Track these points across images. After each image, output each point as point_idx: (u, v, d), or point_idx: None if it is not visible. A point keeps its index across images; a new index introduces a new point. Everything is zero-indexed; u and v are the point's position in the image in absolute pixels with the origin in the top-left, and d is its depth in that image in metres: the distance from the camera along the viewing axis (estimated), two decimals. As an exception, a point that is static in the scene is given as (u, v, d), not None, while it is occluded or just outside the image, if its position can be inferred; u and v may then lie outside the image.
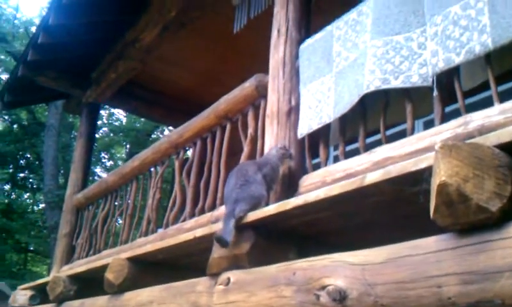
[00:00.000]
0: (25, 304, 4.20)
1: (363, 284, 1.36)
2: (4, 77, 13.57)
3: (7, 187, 15.76)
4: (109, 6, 4.24)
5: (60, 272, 4.16)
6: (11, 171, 14.97)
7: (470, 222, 1.16)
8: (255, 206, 1.99)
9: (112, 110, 15.10)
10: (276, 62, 2.53)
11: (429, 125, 1.93)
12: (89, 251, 4.29)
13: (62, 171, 13.05)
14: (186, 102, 5.38)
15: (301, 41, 2.50)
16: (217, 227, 2.07)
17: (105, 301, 2.95)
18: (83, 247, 4.38)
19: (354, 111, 2.06)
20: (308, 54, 2.38)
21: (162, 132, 13.92)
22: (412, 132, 1.85)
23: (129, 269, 2.76)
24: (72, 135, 13.90)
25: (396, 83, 1.85)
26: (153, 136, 14.11)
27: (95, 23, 4.44)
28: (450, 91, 1.77)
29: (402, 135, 1.86)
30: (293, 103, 2.40)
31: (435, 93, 1.76)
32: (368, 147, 2.00)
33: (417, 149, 1.70)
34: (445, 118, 1.74)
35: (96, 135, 10.45)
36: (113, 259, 2.91)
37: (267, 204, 2.04)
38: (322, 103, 2.21)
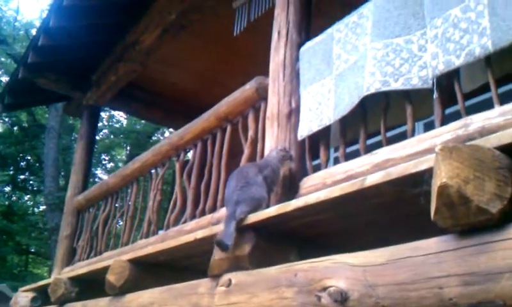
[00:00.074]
0: (27, 306, 4.20)
1: (364, 286, 1.36)
2: (5, 79, 13.60)
3: (7, 189, 15.76)
4: (109, 9, 4.26)
5: (61, 274, 4.16)
6: (11, 173, 14.97)
7: (471, 223, 1.16)
8: (255, 208, 2.00)
9: (113, 112, 15.11)
10: (276, 65, 2.54)
11: (429, 126, 1.94)
12: (90, 252, 4.29)
13: (62, 173, 13.06)
14: (186, 103, 5.39)
15: (301, 43, 2.51)
16: (218, 229, 2.08)
17: (106, 303, 2.95)
18: (84, 249, 4.38)
19: (354, 113, 2.07)
20: (309, 56, 2.39)
21: (162, 134, 13.93)
22: (412, 134, 1.85)
23: (130, 271, 2.77)
24: (73, 137, 13.91)
25: (396, 85, 1.86)
26: (153, 138, 14.12)
27: (95, 26, 4.46)
28: (450, 93, 1.78)
29: (402, 137, 1.87)
30: (293, 105, 2.41)
31: (435, 95, 1.76)
32: (369, 149, 2.00)
33: (418, 151, 1.70)
34: (446, 120, 1.75)
35: (97, 137, 10.45)
36: (114, 261, 2.91)
37: (267, 206, 2.05)
38: (323, 105, 2.21)
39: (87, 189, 4.76)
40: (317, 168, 2.27)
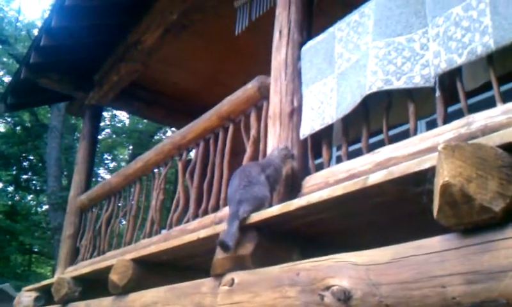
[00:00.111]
0: (30, 306, 4.21)
1: (367, 285, 1.37)
2: (7, 79, 13.63)
3: (10, 188, 15.82)
4: (111, 9, 4.26)
5: (64, 274, 4.17)
6: (14, 172, 15.03)
7: (474, 222, 1.16)
8: (258, 207, 2.00)
9: (115, 111, 15.13)
10: (278, 64, 2.54)
11: (431, 125, 1.94)
12: (93, 252, 4.30)
13: (65, 173, 13.09)
14: (188, 103, 5.39)
15: (303, 42, 2.51)
16: (221, 228, 2.08)
17: (109, 302, 2.96)
18: (87, 248, 4.40)
19: (356, 112, 2.07)
20: (310, 55, 2.39)
21: (164, 134, 13.94)
22: (415, 133, 1.85)
23: (133, 270, 2.77)
24: (75, 137, 13.95)
25: (398, 84, 1.86)
26: (156, 137, 14.14)
27: (97, 26, 4.46)
28: (452, 92, 1.78)
29: (405, 135, 1.87)
30: (295, 104, 2.41)
31: (437, 93, 1.76)
32: (371, 147, 2.00)
33: (420, 150, 1.70)
34: (448, 119, 1.75)
35: (99, 137, 10.50)
36: (117, 260, 2.92)
37: (270, 205, 2.05)
38: (325, 104, 2.21)
39: (90, 189, 4.77)
40: (319, 167, 2.27)
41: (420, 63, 1.82)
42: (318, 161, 2.32)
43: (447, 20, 1.73)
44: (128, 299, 2.77)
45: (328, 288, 1.47)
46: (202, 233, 2.26)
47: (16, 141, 14.35)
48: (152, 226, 3.54)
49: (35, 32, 13.03)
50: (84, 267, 3.79)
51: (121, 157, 16.70)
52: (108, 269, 2.94)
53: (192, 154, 3.50)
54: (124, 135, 15.19)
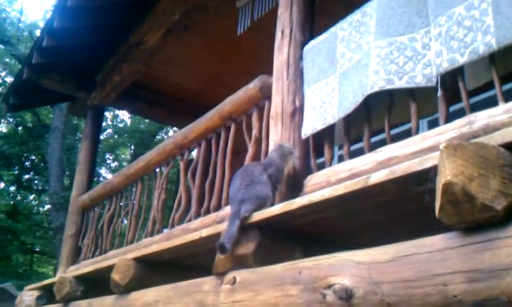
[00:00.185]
0: (32, 305, 4.22)
1: (369, 283, 1.37)
2: (9, 79, 13.67)
3: (12, 188, 15.86)
4: (113, 9, 4.27)
5: (66, 273, 4.19)
6: (16, 172, 15.07)
7: (476, 220, 1.17)
8: (260, 207, 2.01)
9: (117, 111, 15.18)
10: (280, 64, 2.54)
11: (433, 124, 1.94)
12: (95, 251, 4.31)
13: (67, 173, 13.12)
14: (190, 103, 5.40)
15: (305, 42, 2.51)
16: (223, 227, 2.09)
17: (111, 301, 2.97)
18: (89, 247, 4.41)
19: (358, 111, 2.07)
20: (312, 55, 2.40)
21: (166, 133, 13.97)
22: (417, 132, 1.85)
23: (135, 269, 2.78)
24: (77, 137, 13.98)
25: (400, 83, 1.86)
26: (157, 137, 14.17)
27: (99, 27, 4.48)
28: (454, 91, 1.78)
29: (406, 135, 1.87)
30: (297, 104, 2.42)
31: (439, 93, 1.76)
32: (373, 147, 2.01)
33: (422, 149, 1.71)
34: (450, 118, 1.75)
35: (101, 137, 10.51)
36: (119, 259, 2.93)
37: (272, 204, 2.06)
38: (327, 103, 2.22)
39: (91, 188, 4.79)
40: (321, 166, 2.27)
41: (422, 63, 1.82)
42: (320, 160, 2.33)
43: (449, 20, 1.73)
44: (130, 297, 2.78)
45: (329, 286, 1.48)
46: (204, 232, 2.27)
47: (18, 141, 14.39)
48: (153, 225, 3.55)
49: (37, 32, 13.09)
50: (86, 266, 3.80)
51: (123, 156, 16.74)
52: (110, 268, 2.95)
53: (194, 154, 3.50)
54: (126, 135, 15.22)
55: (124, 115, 15.91)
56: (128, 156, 15.95)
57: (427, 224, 1.31)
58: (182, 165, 3.41)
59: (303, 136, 2.33)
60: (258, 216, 1.94)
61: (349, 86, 2.11)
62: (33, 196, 16.69)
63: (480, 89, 2.12)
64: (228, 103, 2.88)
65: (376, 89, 1.91)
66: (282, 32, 2.60)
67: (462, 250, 1.18)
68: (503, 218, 1.13)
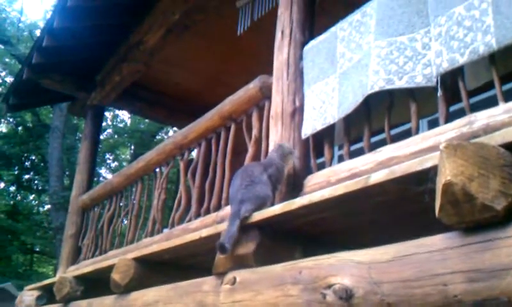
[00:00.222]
0: (32, 305, 4.23)
1: (369, 283, 1.37)
2: (9, 79, 13.67)
3: (12, 188, 15.86)
4: (113, 9, 4.27)
5: (66, 273, 4.19)
6: (16, 172, 15.07)
7: (476, 220, 1.17)
8: (260, 206, 2.01)
9: (117, 111, 15.18)
10: (280, 64, 2.54)
11: (433, 124, 1.94)
12: (95, 251, 4.31)
13: (67, 173, 13.12)
14: (190, 103, 5.41)
15: (305, 42, 2.51)
16: (223, 227, 2.09)
17: (111, 301, 2.97)
18: (89, 247, 4.41)
19: (358, 111, 2.07)
20: (312, 55, 2.40)
21: (166, 133, 13.97)
22: (417, 132, 1.85)
23: (135, 269, 2.78)
24: (77, 137, 13.99)
25: (400, 83, 1.86)
26: (157, 137, 14.17)
27: (99, 27, 4.48)
28: (454, 91, 1.78)
29: (406, 135, 1.87)
30: (297, 104, 2.42)
31: (439, 93, 1.76)
32: (373, 147, 2.01)
33: (422, 149, 1.71)
34: (450, 118, 1.75)
35: (101, 137, 10.51)
36: (119, 259, 2.93)
37: (272, 204, 2.06)
38: (327, 103, 2.22)
39: (92, 189, 4.79)
40: (321, 166, 2.27)
41: (422, 63, 1.82)
42: (320, 160, 2.33)
43: (449, 20, 1.73)
44: (130, 297, 2.78)
45: (329, 286, 1.48)
46: (204, 232, 2.27)
47: (18, 141, 14.40)
48: (153, 225, 3.55)
49: (37, 33, 13.09)
50: (86, 266, 3.80)
51: (123, 156, 16.74)
52: (110, 268, 2.95)
53: (194, 154, 3.50)
54: (126, 135, 15.23)
55: (124, 115, 15.91)
56: (128, 156, 15.96)
57: (427, 224, 1.31)
58: (182, 165, 3.41)
59: (303, 136, 2.33)
60: (258, 216, 1.94)
61: (349, 86, 2.11)
62: (33, 196, 16.70)
63: (481, 89, 2.12)
64: (228, 103, 2.88)
65: (376, 89, 1.91)
66: (282, 32, 2.60)
67: (462, 250, 1.18)
68: (503, 218, 1.13)
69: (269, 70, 2.61)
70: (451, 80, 1.78)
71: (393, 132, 2.05)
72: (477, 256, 1.14)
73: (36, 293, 4.24)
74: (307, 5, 2.63)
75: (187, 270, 2.69)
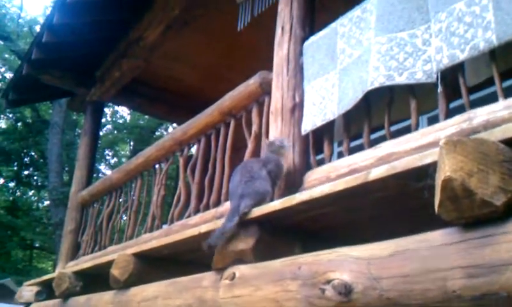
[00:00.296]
0: (32, 300, 4.23)
1: (368, 278, 1.37)
2: (9, 75, 13.66)
3: (12, 184, 15.87)
4: (112, 5, 4.26)
5: (66, 268, 4.19)
6: (15, 168, 15.07)
7: (475, 216, 1.17)
8: (260, 202, 2.01)
9: (116, 107, 15.18)
10: (280, 60, 2.54)
11: (433, 120, 1.94)
12: (94, 247, 4.32)
13: (66, 169, 13.12)
14: (190, 98, 5.40)
15: (305, 38, 2.51)
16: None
17: (111, 297, 2.97)
18: (88, 243, 4.41)
19: (358, 107, 2.07)
20: (312, 51, 2.39)
21: (166, 129, 13.96)
22: (417, 128, 1.85)
23: (135, 265, 2.78)
24: (76, 133, 13.98)
25: (400, 79, 1.86)
26: (157, 133, 14.17)
27: (99, 22, 4.46)
28: (454, 87, 1.78)
29: (406, 131, 1.87)
30: (297, 100, 2.41)
31: (439, 89, 1.76)
32: (373, 143, 2.01)
33: (422, 145, 1.71)
34: (450, 114, 1.75)
35: (101, 133, 10.50)
36: (118, 255, 2.93)
37: (272, 200, 2.06)
38: (326, 99, 2.22)
39: (91, 184, 4.78)
40: (321, 163, 2.27)
41: (422, 59, 1.82)
42: (319, 157, 2.33)
43: (449, 16, 1.73)
44: (129, 293, 2.78)
45: (329, 281, 1.48)
46: (204, 228, 2.27)
47: (17, 137, 14.39)
48: (153, 221, 3.55)
49: (37, 28, 13.06)
50: (85, 262, 3.80)
51: (122, 152, 16.74)
52: (109, 264, 2.95)
53: (193, 150, 3.50)
54: (125, 131, 15.23)
55: (123, 111, 15.91)
56: (127, 152, 15.96)
57: (426, 219, 1.31)
58: (181, 161, 3.41)
59: (303, 132, 2.33)
60: (257, 212, 1.94)
61: (349, 82, 2.11)
62: (32, 191, 16.71)
63: (481, 85, 2.12)
64: (228, 99, 2.88)
65: (376, 85, 1.91)
66: (282, 28, 2.59)
67: (461, 245, 1.18)
68: (502, 214, 1.13)
69: (269, 66, 2.61)
70: (451, 76, 1.78)
71: (393, 128, 2.05)
72: (476, 252, 1.15)
73: (35, 289, 4.24)
74: (307, 1, 2.62)
75: (187, 266, 2.70)
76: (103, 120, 11.58)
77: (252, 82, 2.68)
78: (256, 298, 1.78)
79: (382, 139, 1.97)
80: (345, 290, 1.41)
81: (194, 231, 2.34)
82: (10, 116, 15.09)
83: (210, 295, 2.06)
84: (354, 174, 1.68)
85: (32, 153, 15.18)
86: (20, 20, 15.62)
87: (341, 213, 1.83)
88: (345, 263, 1.46)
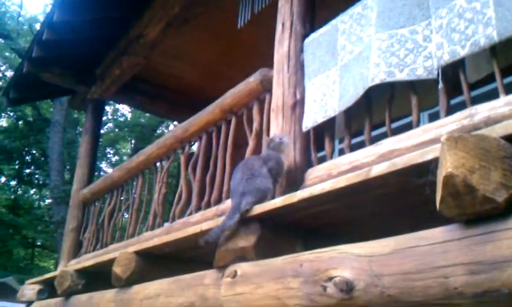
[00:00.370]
0: (33, 299, 4.25)
1: (370, 276, 1.37)
2: (9, 73, 13.65)
3: (13, 182, 15.89)
4: (113, 3, 4.26)
5: (68, 267, 4.20)
6: (17, 167, 15.09)
7: (476, 212, 1.17)
8: (261, 199, 2.01)
9: (117, 105, 15.19)
10: (280, 57, 2.54)
11: (434, 117, 1.94)
12: (96, 245, 4.33)
13: (68, 167, 13.14)
14: (190, 96, 5.39)
15: (305, 35, 2.50)
16: (224, 220, 2.09)
17: (113, 294, 2.98)
18: (90, 241, 4.42)
19: (359, 104, 2.07)
20: (313, 47, 2.39)
21: (167, 127, 13.97)
22: (418, 124, 1.85)
23: (136, 263, 2.79)
24: (77, 131, 13.99)
25: (401, 76, 1.86)
26: (158, 131, 14.18)
27: (99, 20, 4.46)
28: (455, 84, 1.78)
29: (407, 127, 1.87)
30: (298, 97, 2.41)
31: (440, 85, 1.76)
32: (374, 140, 2.00)
33: (423, 141, 1.70)
34: (451, 110, 1.74)
35: (102, 131, 10.50)
36: (120, 253, 2.93)
37: (273, 197, 2.06)
38: (327, 96, 2.21)
39: (92, 183, 4.79)
40: (322, 160, 2.27)
41: (423, 55, 1.82)
42: (321, 154, 2.33)
43: (450, 12, 1.72)
44: (131, 291, 2.79)
45: (330, 279, 1.48)
46: (205, 226, 2.27)
47: (18, 136, 14.41)
48: (154, 219, 3.56)
49: (37, 26, 13.05)
50: (87, 260, 3.81)
51: (123, 150, 16.75)
52: (111, 262, 2.96)
53: (194, 147, 3.50)
54: (126, 129, 15.23)
55: (124, 109, 15.92)
56: (128, 150, 15.97)
57: (428, 216, 1.31)
58: (182, 159, 3.41)
59: (304, 129, 2.32)
60: (259, 209, 1.94)
61: (350, 78, 2.10)
62: (34, 190, 16.74)
63: (482, 81, 2.12)
64: (229, 97, 2.88)
65: (377, 81, 1.91)
66: (283, 25, 2.59)
67: (463, 242, 1.18)
68: (504, 210, 1.13)
69: (269, 63, 2.60)
70: (452, 72, 1.77)
71: (394, 125, 2.05)
72: (478, 248, 1.15)
73: (37, 287, 4.26)
74: (308, -3, 2.61)
75: (188, 263, 2.70)
76: (104, 118, 11.58)
77: (253, 80, 2.68)
78: (257, 295, 1.79)
79: (383, 135, 1.97)
80: (347, 287, 1.41)
81: (195, 229, 2.34)
82: (11, 114, 15.10)
83: (212, 293, 2.07)
84: (356, 171, 1.67)
85: (34, 152, 15.20)
86: (20, 18, 15.62)
87: (342, 210, 1.83)
88: (346, 260, 1.46)
